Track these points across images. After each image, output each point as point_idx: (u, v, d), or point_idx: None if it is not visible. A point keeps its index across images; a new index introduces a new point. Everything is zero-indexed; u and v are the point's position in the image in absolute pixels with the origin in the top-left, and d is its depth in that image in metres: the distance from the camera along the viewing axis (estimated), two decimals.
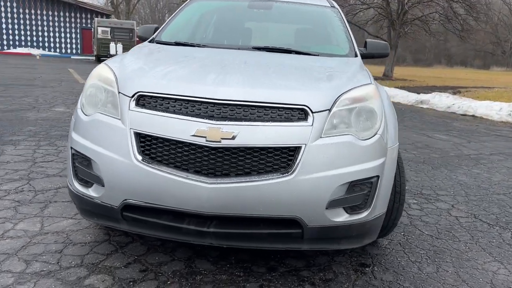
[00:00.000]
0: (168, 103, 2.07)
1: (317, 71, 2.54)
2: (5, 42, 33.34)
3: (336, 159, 2.02)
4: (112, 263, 2.34)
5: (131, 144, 2.04)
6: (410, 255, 2.65)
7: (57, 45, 35.25)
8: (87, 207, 2.25)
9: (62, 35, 35.32)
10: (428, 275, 2.42)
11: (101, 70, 2.35)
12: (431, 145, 6.07)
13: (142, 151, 2.04)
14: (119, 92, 2.16)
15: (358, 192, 2.09)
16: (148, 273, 2.26)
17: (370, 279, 2.34)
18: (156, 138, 2.02)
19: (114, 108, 2.14)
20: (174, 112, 2.04)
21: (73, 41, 35.81)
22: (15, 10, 33.15)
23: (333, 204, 2.03)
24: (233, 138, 1.93)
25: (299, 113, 2.04)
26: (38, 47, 34.40)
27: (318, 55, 2.99)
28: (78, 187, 2.24)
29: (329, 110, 2.07)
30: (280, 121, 2.00)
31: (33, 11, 33.76)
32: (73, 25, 35.50)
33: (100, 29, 26.74)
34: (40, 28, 34.33)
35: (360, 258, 2.57)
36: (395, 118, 2.50)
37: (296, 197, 1.97)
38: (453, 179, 4.36)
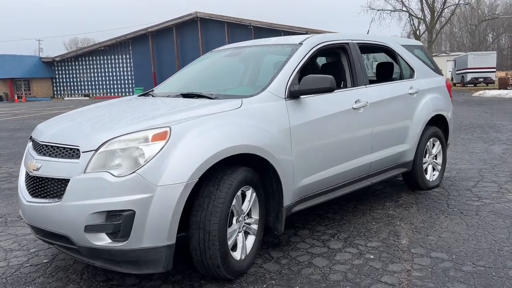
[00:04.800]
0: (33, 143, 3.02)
1: (139, 115, 2.85)
2: None
3: (91, 191, 2.42)
4: None
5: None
6: None
7: None
8: None
9: None
10: None
11: None
12: None
13: None
14: None
15: (112, 221, 2.39)
16: None
17: None
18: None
19: None
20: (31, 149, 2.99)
21: None
22: None
23: (91, 229, 2.40)
24: (38, 169, 2.65)
25: (75, 152, 2.56)
26: None
27: (215, 98, 3.15)
28: None
29: (96, 150, 2.47)
30: (63, 157, 2.60)
31: None
32: None
33: None
34: None
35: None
36: (203, 158, 2.53)
37: (62, 219, 2.48)
38: None
